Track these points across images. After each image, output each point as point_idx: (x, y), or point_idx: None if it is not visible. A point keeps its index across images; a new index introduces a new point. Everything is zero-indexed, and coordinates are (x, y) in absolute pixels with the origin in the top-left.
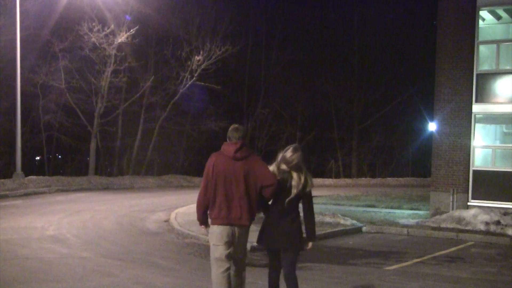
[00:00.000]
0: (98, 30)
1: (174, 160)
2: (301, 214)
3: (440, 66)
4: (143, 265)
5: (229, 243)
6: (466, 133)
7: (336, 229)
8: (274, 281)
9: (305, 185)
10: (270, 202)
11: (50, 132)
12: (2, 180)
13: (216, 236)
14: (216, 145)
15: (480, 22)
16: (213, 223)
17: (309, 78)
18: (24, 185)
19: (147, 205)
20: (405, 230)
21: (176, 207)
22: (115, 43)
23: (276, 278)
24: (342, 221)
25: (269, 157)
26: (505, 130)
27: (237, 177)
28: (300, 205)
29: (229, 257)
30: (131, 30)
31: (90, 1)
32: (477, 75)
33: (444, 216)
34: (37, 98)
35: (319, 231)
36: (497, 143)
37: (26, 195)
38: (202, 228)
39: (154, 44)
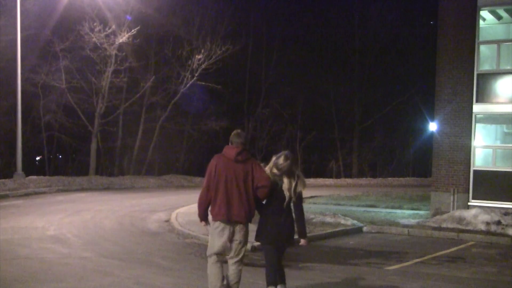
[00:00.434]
0: (99, 30)
1: (174, 160)
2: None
3: (441, 66)
4: (144, 265)
5: (227, 238)
6: (467, 133)
7: (337, 229)
8: (273, 276)
9: (295, 189)
10: (264, 202)
11: (50, 132)
12: (3, 180)
13: (216, 231)
14: (216, 145)
15: (481, 22)
16: (213, 219)
17: (310, 78)
18: (25, 185)
19: (148, 205)
20: (405, 230)
21: (176, 207)
22: (116, 43)
23: (275, 273)
24: (342, 221)
25: (270, 157)
26: (505, 130)
27: (237, 177)
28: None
29: (223, 250)
30: (132, 30)
31: (90, 1)
32: (478, 75)
33: (444, 216)
34: (38, 98)
35: (319, 231)
36: (498, 143)
37: (27, 195)
38: (203, 224)
39: (154, 44)
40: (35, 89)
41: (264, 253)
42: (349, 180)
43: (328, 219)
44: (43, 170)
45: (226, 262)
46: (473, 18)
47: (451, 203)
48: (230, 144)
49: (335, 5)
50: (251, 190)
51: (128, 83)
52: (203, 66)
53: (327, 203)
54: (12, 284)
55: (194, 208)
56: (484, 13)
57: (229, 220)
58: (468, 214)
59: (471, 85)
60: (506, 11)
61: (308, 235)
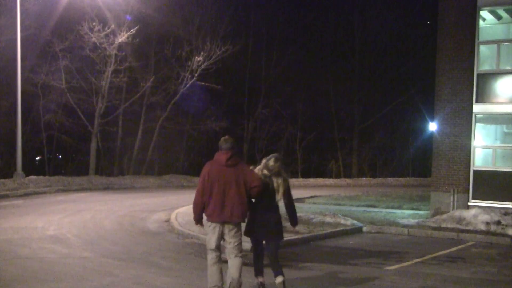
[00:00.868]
0: (99, 30)
1: (174, 160)
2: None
3: (441, 66)
4: (144, 265)
5: (220, 236)
6: (467, 133)
7: (337, 229)
8: (259, 265)
9: (283, 186)
10: (253, 201)
11: (50, 132)
12: (3, 180)
13: (210, 230)
14: (216, 145)
15: (481, 22)
16: (208, 220)
17: (310, 78)
18: (25, 185)
19: (148, 205)
20: (405, 230)
21: (176, 207)
22: (116, 43)
23: (261, 263)
24: (342, 221)
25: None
26: (505, 130)
27: (229, 181)
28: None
29: (219, 247)
30: (132, 30)
31: (90, 1)
32: (478, 75)
33: (444, 216)
34: (38, 98)
35: (319, 231)
36: (498, 143)
37: (27, 195)
38: (198, 227)
39: (154, 44)
40: (35, 89)
41: (252, 247)
42: (349, 180)
43: (328, 219)
44: (43, 170)
45: (226, 262)
46: (473, 18)
47: (451, 203)
48: (219, 149)
49: (335, 5)
50: (243, 192)
51: (128, 83)
52: (203, 66)
53: (327, 203)
54: (12, 284)
55: None
56: (484, 13)
57: (222, 222)
58: (468, 214)
59: (471, 85)
60: (506, 11)
61: (308, 235)
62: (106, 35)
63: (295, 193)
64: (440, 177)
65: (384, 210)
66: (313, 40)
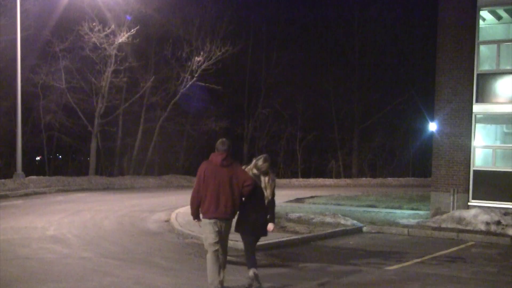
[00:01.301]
0: (99, 30)
1: (174, 160)
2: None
3: (441, 66)
4: (144, 265)
5: (217, 232)
6: (467, 133)
7: (337, 229)
8: (253, 260)
9: (271, 185)
10: (243, 199)
11: (50, 132)
12: (3, 180)
13: (207, 226)
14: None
15: (481, 22)
16: (203, 217)
17: (310, 78)
18: (25, 185)
19: (148, 205)
20: (405, 230)
21: (176, 207)
22: (116, 43)
23: (254, 258)
24: (342, 221)
25: (270, 157)
26: (505, 130)
27: (223, 180)
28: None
29: (217, 242)
30: (132, 30)
31: (90, 1)
32: (478, 75)
33: (444, 216)
34: (38, 98)
35: (319, 231)
36: (498, 143)
37: (27, 195)
38: (195, 221)
39: (154, 44)
40: (35, 89)
41: (243, 242)
42: (349, 180)
43: (328, 219)
44: (43, 170)
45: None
46: (473, 18)
47: (451, 203)
48: (216, 151)
49: (335, 5)
50: (236, 190)
51: (128, 83)
52: (202, 66)
53: (327, 203)
54: (12, 284)
55: None
56: (484, 13)
57: (216, 218)
58: (468, 214)
59: (471, 85)
60: (506, 11)
61: (308, 235)
62: (106, 35)
63: (295, 193)
64: (440, 177)
65: (384, 210)
66: (313, 40)
